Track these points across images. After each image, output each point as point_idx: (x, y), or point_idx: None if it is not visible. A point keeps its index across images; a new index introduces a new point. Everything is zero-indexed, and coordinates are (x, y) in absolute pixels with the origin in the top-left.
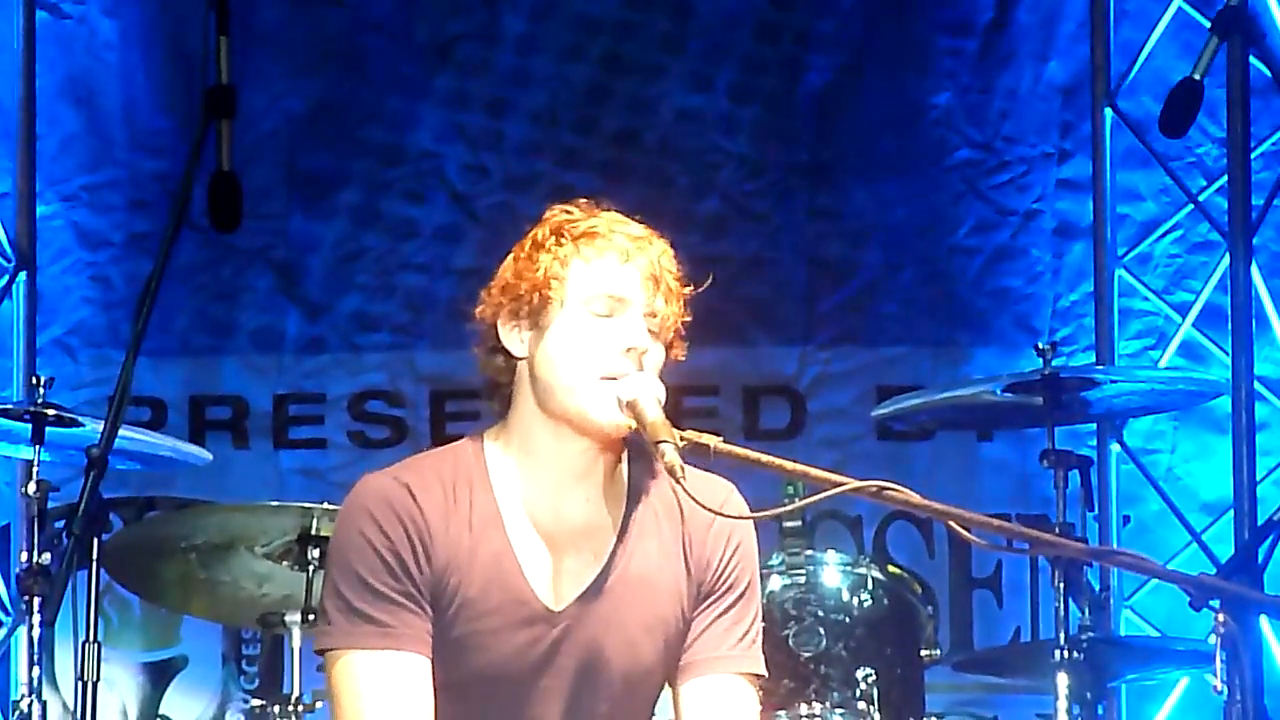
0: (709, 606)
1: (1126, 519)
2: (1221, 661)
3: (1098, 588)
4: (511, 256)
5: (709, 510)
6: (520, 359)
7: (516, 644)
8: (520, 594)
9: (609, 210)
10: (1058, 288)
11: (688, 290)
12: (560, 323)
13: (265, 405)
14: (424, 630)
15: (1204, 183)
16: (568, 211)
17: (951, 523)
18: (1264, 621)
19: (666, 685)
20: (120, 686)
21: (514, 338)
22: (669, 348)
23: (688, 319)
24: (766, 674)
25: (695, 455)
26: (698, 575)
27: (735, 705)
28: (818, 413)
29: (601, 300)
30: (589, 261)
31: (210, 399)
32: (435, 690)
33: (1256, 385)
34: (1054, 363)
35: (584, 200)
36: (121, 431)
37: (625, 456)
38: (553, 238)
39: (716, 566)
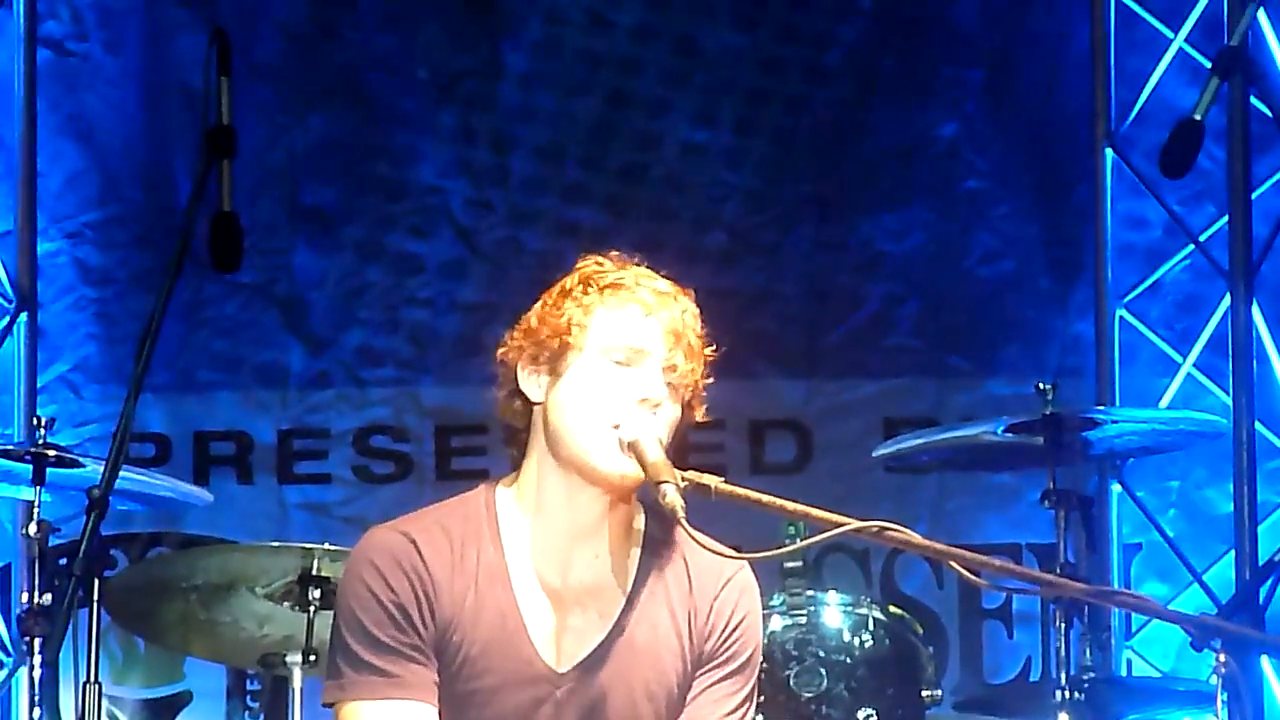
0: (707, 673)
1: (1138, 547)
2: (1223, 702)
3: (1100, 627)
4: (540, 302)
5: (712, 551)
6: (537, 404)
7: (519, 702)
8: (524, 654)
9: (640, 264)
10: (1066, 317)
11: (710, 353)
12: (577, 369)
13: (269, 440)
14: (430, 680)
15: (1211, 209)
16: (599, 263)
17: (953, 563)
18: (1265, 662)
19: None
20: None
21: (532, 382)
22: (688, 407)
23: (709, 380)
24: None
25: (696, 496)
26: (699, 643)
27: None
28: (824, 445)
29: (621, 350)
30: (612, 311)
31: (214, 435)
32: None
33: (1258, 425)
34: (1055, 402)
35: (617, 253)
36: (123, 472)
37: (644, 519)
38: (580, 286)
39: (719, 636)
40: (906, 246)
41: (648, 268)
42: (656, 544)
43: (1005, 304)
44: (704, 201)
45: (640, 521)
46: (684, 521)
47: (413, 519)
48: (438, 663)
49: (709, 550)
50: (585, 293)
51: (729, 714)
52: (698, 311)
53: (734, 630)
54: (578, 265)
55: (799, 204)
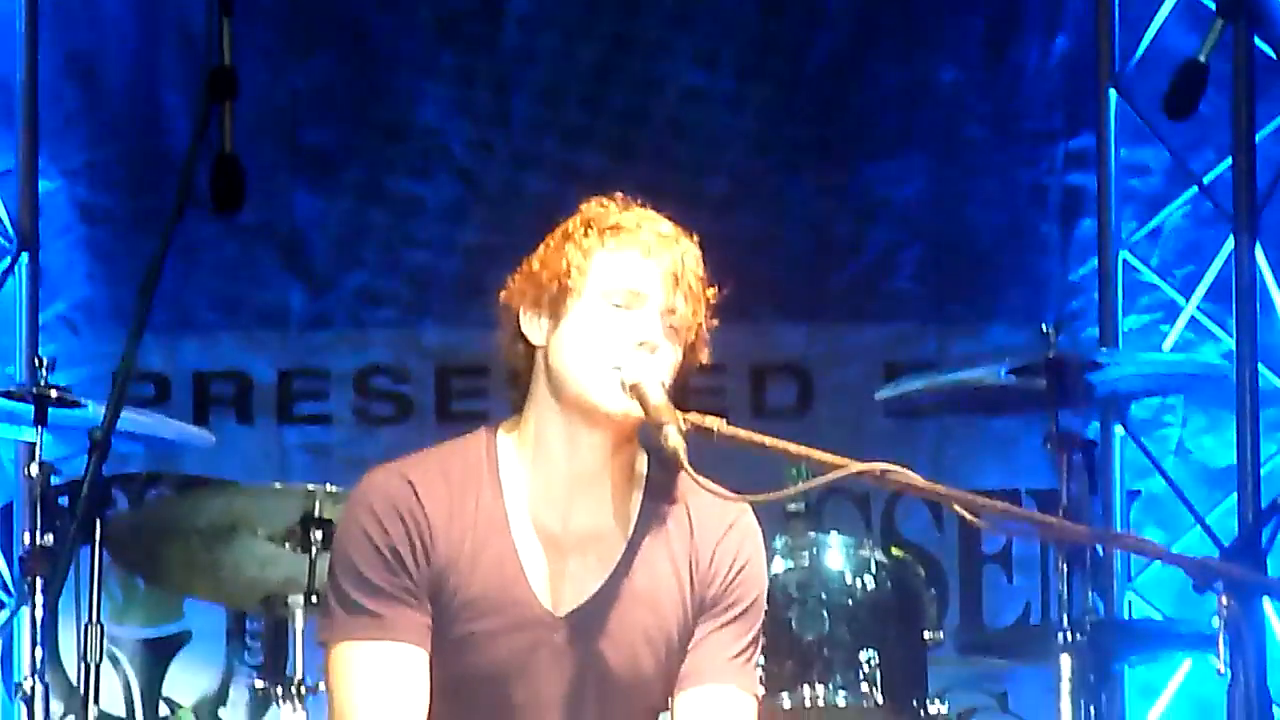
0: (709, 619)
1: (1136, 494)
2: (1225, 644)
3: (1102, 570)
4: (542, 246)
5: (714, 493)
6: (539, 347)
7: (516, 647)
8: (521, 597)
9: (644, 206)
10: (1067, 262)
11: (711, 294)
12: (577, 312)
13: (269, 381)
14: (421, 624)
15: (1211, 156)
16: (602, 205)
17: (956, 506)
18: (1267, 604)
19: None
20: (123, 662)
21: (534, 326)
22: (691, 350)
23: (713, 323)
24: (761, 695)
25: (698, 438)
26: (701, 589)
27: (730, 716)
28: (825, 390)
29: (619, 293)
30: (611, 254)
31: (214, 375)
32: (433, 688)
33: (1260, 367)
34: (1058, 344)
35: (621, 195)
36: (124, 413)
37: (647, 463)
38: (581, 229)
39: (721, 582)
40: (908, 192)
41: (652, 209)
42: (658, 489)
43: (1006, 250)
44: (705, 146)
45: (643, 465)
46: (686, 464)
47: (413, 461)
48: (432, 607)
49: (711, 492)
50: (586, 236)
51: (732, 660)
52: (700, 254)
53: (737, 576)
54: (581, 208)
55: (800, 149)
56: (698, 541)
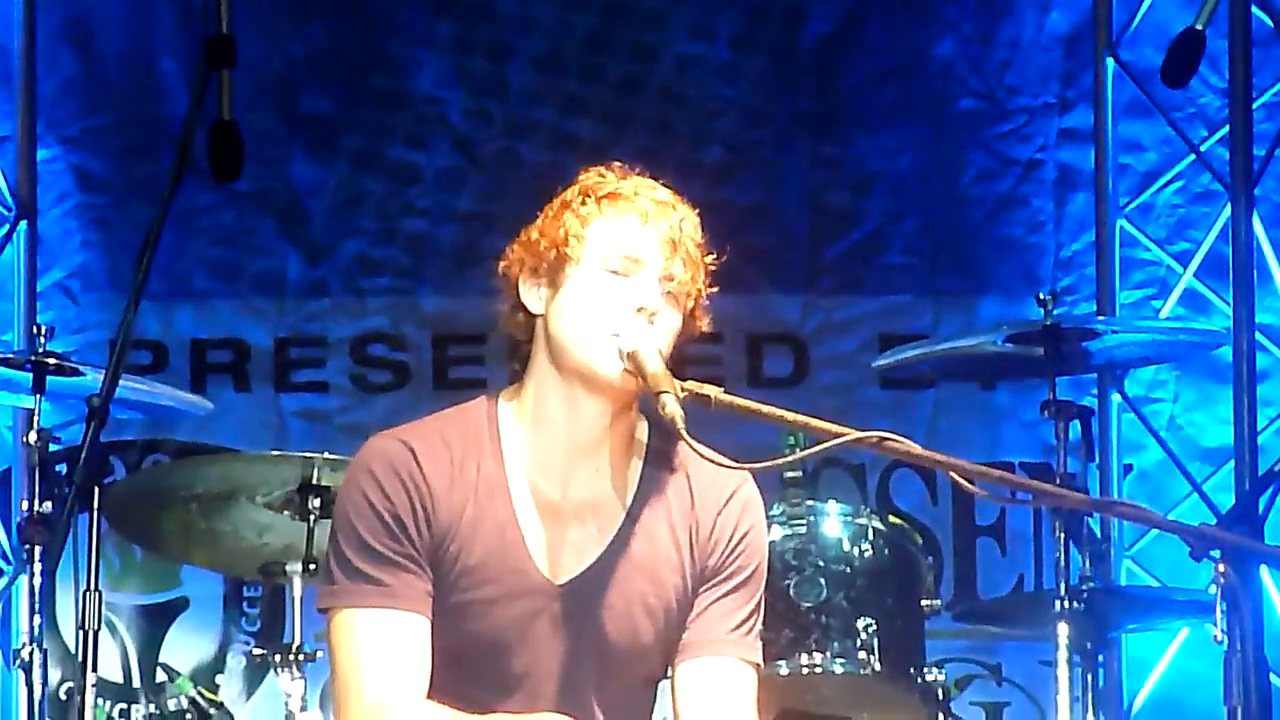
0: (710, 589)
1: (1128, 468)
2: (1222, 612)
3: (1099, 537)
4: (541, 215)
5: (713, 462)
6: (538, 316)
7: (515, 615)
8: (521, 566)
9: (642, 174)
10: (1060, 237)
11: (710, 260)
12: (575, 280)
13: (266, 348)
14: (423, 591)
15: (1205, 133)
16: (600, 174)
17: (953, 473)
18: (1264, 572)
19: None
20: (121, 629)
21: (533, 295)
22: (690, 317)
23: (713, 289)
24: (762, 665)
25: (696, 405)
26: (701, 558)
27: (731, 687)
28: (821, 361)
29: (617, 259)
30: (609, 222)
31: (211, 343)
32: (432, 657)
33: (1258, 335)
34: (1055, 313)
35: (619, 164)
36: (122, 381)
37: (647, 432)
38: (579, 198)
39: (722, 551)
40: (902, 165)
41: (650, 178)
42: (658, 458)
43: (999, 224)
44: (701, 116)
45: (643, 433)
46: (684, 432)
47: (413, 428)
48: (433, 574)
49: (710, 461)
50: (584, 204)
51: (734, 629)
52: (698, 221)
53: (738, 545)
54: (579, 177)
55: (796, 119)
56: (698, 511)
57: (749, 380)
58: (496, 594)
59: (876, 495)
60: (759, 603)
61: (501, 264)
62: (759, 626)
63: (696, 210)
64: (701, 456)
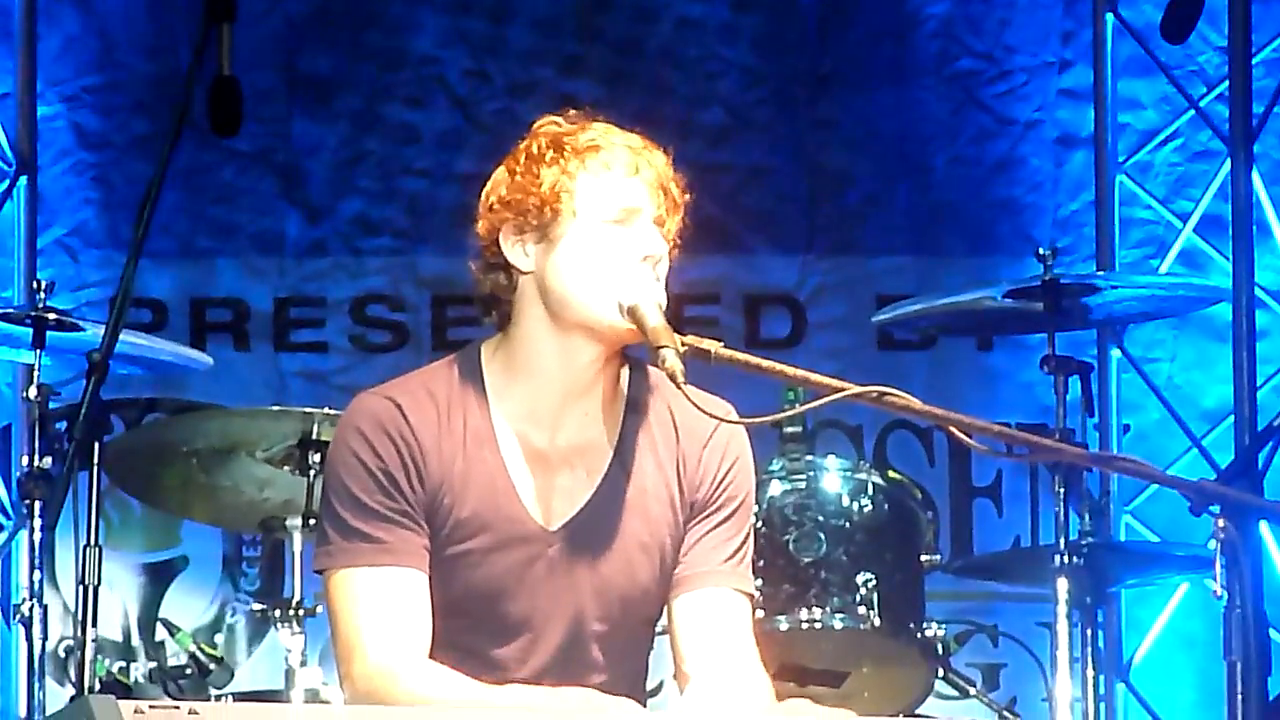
0: (700, 521)
1: (1127, 427)
2: (1221, 567)
3: (1097, 494)
4: (504, 170)
5: (710, 415)
6: (526, 273)
7: (510, 563)
8: (514, 514)
9: (599, 121)
10: (1058, 197)
11: (688, 198)
12: (573, 235)
13: (266, 308)
14: (420, 546)
15: (1204, 90)
16: (556, 124)
17: (952, 428)
18: (1264, 527)
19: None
20: (120, 587)
21: (518, 252)
22: (674, 252)
23: (686, 225)
24: (755, 594)
25: (696, 360)
26: (690, 492)
27: (727, 617)
28: (818, 322)
29: (615, 210)
30: (598, 175)
31: (211, 301)
32: (432, 609)
33: (1257, 292)
34: (1054, 270)
35: (573, 111)
36: (123, 336)
37: (628, 375)
38: (551, 151)
39: (710, 483)
40: (901, 124)
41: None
42: (641, 398)
43: (998, 184)
44: (700, 77)
45: (625, 376)
46: (684, 385)
47: (399, 383)
48: (428, 527)
49: (706, 415)
50: (562, 156)
51: (726, 560)
52: (667, 157)
53: (725, 476)
54: (535, 128)
55: (795, 80)
56: (684, 446)
57: (746, 341)
58: (491, 543)
59: (873, 456)
60: (749, 533)
61: (480, 223)
62: (750, 557)
63: (692, 171)
64: (699, 410)
